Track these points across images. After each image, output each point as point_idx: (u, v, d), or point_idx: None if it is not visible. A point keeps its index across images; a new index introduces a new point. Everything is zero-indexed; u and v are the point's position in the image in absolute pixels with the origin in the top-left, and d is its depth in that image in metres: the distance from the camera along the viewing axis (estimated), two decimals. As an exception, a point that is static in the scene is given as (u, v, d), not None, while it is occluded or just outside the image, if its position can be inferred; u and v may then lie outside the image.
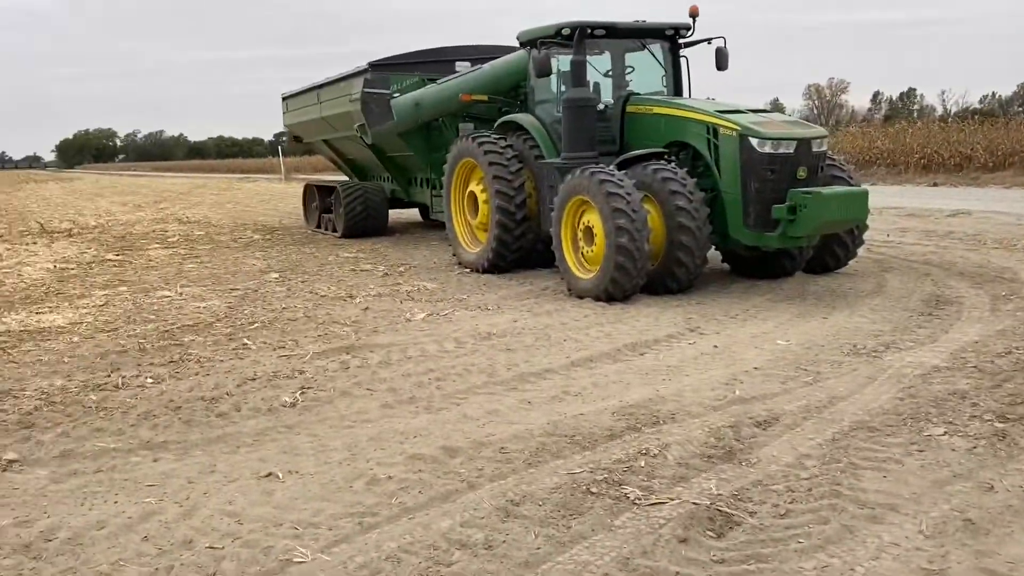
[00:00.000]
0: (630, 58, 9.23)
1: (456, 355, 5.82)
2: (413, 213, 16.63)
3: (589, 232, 7.70)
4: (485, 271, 9.42)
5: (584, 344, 6.03)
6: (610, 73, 9.22)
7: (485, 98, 10.56)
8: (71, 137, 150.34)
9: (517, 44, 9.89)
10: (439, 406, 4.73)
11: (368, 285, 8.86)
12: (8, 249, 12.76)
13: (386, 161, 13.44)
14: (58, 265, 10.83)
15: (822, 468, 3.73)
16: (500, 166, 9.11)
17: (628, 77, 9.20)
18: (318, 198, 15.09)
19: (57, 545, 3.17)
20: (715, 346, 5.90)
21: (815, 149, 7.50)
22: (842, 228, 7.95)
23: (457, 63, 12.18)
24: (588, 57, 8.63)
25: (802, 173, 7.39)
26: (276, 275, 9.72)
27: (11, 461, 4.01)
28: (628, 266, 7.23)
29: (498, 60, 11.03)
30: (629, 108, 8.69)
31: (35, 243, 13.71)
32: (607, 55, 9.26)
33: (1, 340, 6.54)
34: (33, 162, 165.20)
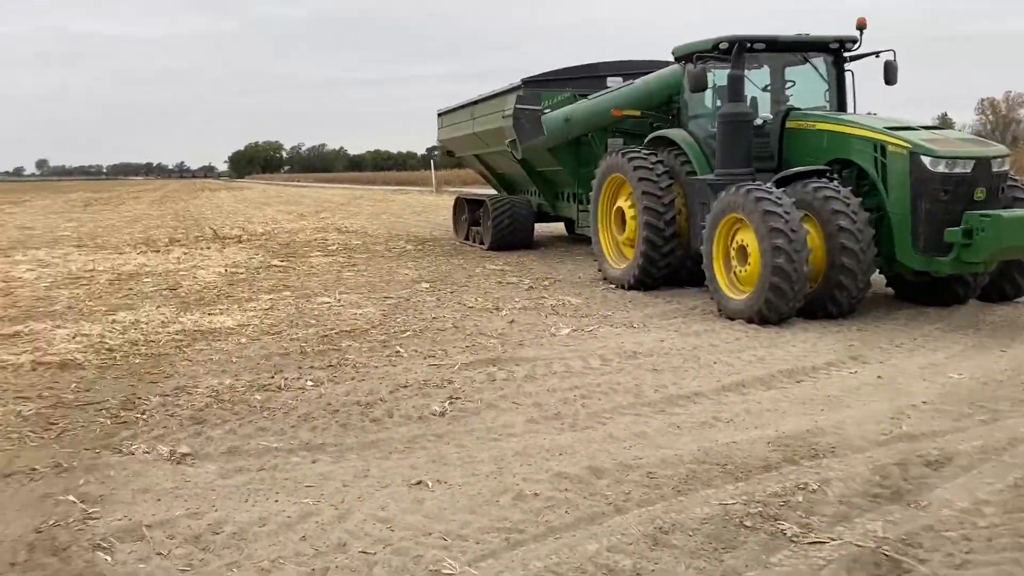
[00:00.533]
0: (791, 72, 8.89)
1: (601, 373, 5.76)
2: (559, 227, 16.68)
3: (743, 251, 7.45)
4: (631, 288, 9.31)
5: (736, 368, 5.81)
6: (769, 88, 8.91)
7: (637, 113, 10.47)
8: (242, 149, 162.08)
9: (671, 59, 9.77)
10: (584, 424, 4.69)
11: (514, 298, 8.95)
12: (185, 253, 13.84)
13: (535, 175, 13.58)
14: (228, 269, 11.62)
15: (1004, 517, 3.40)
16: (649, 181, 9.00)
17: (788, 92, 8.86)
18: (467, 211, 15.44)
19: (223, 539, 3.35)
20: (879, 377, 5.54)
21: (995, 169, 6.93)
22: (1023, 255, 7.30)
23: (609, 79, 12.15)
24: (746, 71, 8.38)
25: (980, 194, 6.85)
26: (427, 285, 10.01)
27: (184, 455, 4.30)
28: (784, 288, 6.94)
29: (650, 75, 10.92)
30: (789, 123, 8.37)
31: (208, 248, 14.79)
32: (766, 69, 8.96)
33: (178, 339, 7.07)
34: (208, 172, 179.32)
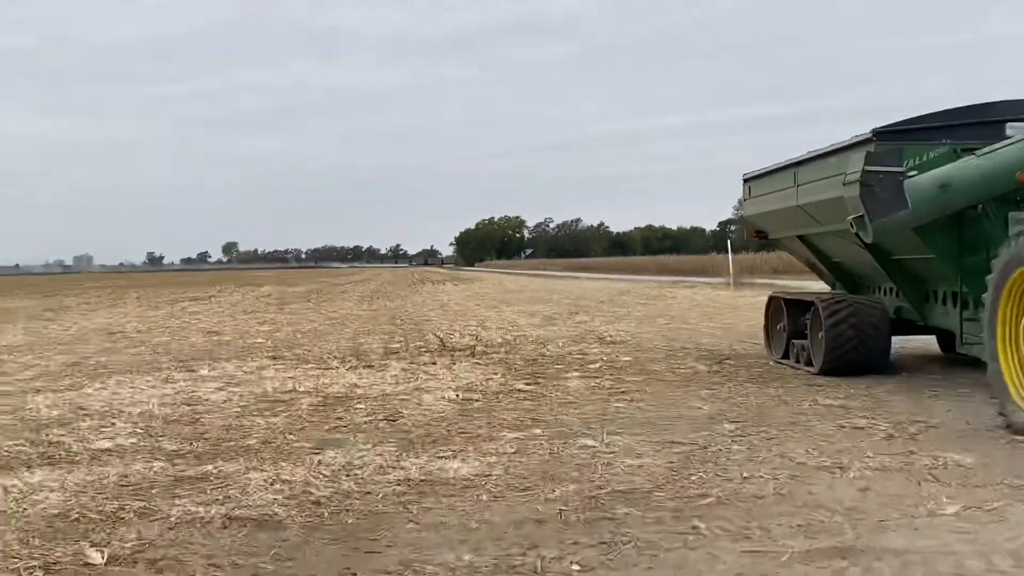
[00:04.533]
0: None
1: (1019, 583, 5.27)
2: (930, 342, 15.87)
3: None
4: (1054, 443, 8.56)
5: None
6: None
7: (1059, 176, 9.87)
8: (472, 228, 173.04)
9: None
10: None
11: (865, 451, 8.55)
12: (405, 369, 14.79)
13: (891, 267, 13.18)
14: (461, 394, 12.22)
15: None
16: (1084, 281, 8.32)
17: None
18: (787, 316, 15.19)
19: None
20: None
21: None
22: None
23: (1009, 124, 11.62)
24: None
25: None
26: (731, 426, 9.87)
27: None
28: None
29: (1079, 118, 10.31)
30: None
31: (434, 363, 15.69)
32: None
33: (400, 491, 7.45)
34: (429, 257, 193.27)
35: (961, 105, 12.42)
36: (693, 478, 7.72)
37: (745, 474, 7.80)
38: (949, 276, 12.01)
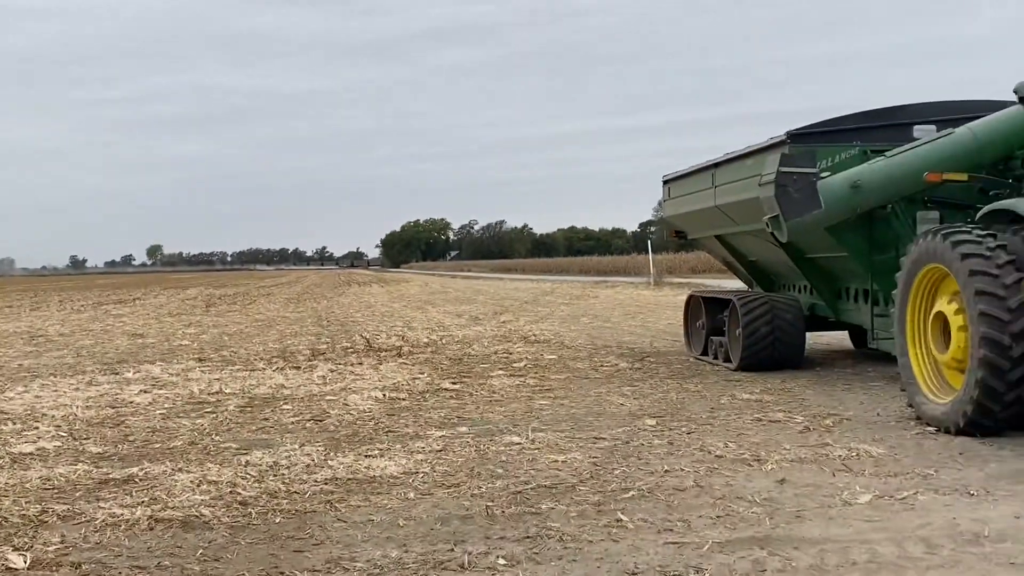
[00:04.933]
0: None
1: (927, 567, 5.39)
2: (842, 337, 16.18)
3: None
4: (960, 432, 8.77)
5: None
6: None
7: (964, 177, 10.13)
8: (398, 230, 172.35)
9: (1013, 98, 9.43)
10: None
11: (782, 444, 8.70)
12: (332, 370, 14.65)
13: (805, 265, 13.39)
14: (388, 394, 12.14)
15: None
16: (988, 276, 8.55)
17: None
18: (705, 314, 15.36)
19: None
20: None
21: None
22: None
23: (916, 127, 11.89)
24: None
25: None
26: (652, 421, 9.95)
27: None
28: None
29: (980, 121, 10.61)
30: None
31: (361, 363, 15.58)
32: None
33: (328, 490, 7.39)
34: (355, 259, 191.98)
35: (871, 108, 12.70)
36: (616, 472, 7.78)
37: (666, 467, 7.89)
38: (860, 274, 12.26)
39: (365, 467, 8.11)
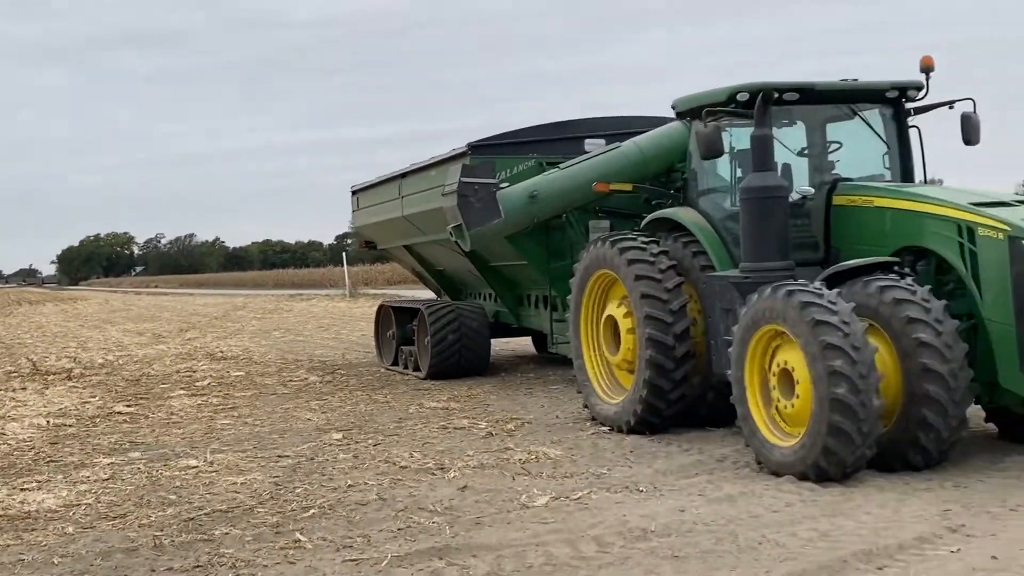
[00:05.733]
0: (835, 130, 9.11)
1: (599, 565, 5.55)
2: (526, 343, 16.64)
3: (787, 377, 7.40)
4: (631, 431, 9.17)
5: (791, 550, 5.64)
6: (807, 152, 9.08)
7: (629, 187, 10.59)
8: (76, 244, 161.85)
9: (672, 114, 9.96)
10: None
11: (465, 451, 8.77)
12: (-8, 396, 13.40)
13: (489, 273, 13.62)
14: (52, 420, 11.29)
15: None
16: (651, 280, 8.99)
17: (833, 157, 9.04)
18: (395, 324, 15.34)
19: None
20: (994, 557, 5.40)
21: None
22: None
23: (587, 141, 12.37)
24: (776, 130, 8.54)
25: (1107, 291, 6.92)
26: (339, 435, 9.80)
27: None
28: (848, 429, 6.85)
29: (645, 136, 11.14)
30: (837, 199, 8.51)
31: (24, 388, 14.41)
32: (802, 127, 9.14)
33: (-26, 529, 6.69)
34: (28, 276, 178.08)
35: (548, 122, 13.11)
36: (297, 491, 7.57)
37: (350, 482, 7.76)
38: (540, 280, 12.58)
39: (19, 502, 7.46)
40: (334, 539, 6.23)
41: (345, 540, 6.19)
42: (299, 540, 6.21)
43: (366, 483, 7.70)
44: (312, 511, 6.92)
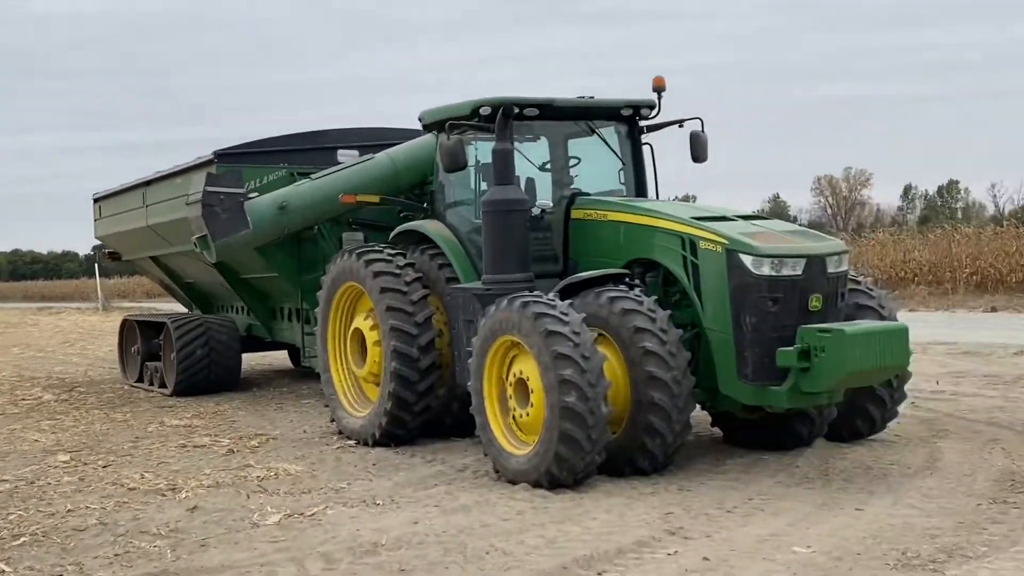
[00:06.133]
0: (575, 146, 9.35)
1: (323, 583, 5.43)
2: (280, 357, 16.27)
3: (523, 386, 7.51)
4: (376, 443, 9.11)
5: (517, 558, 5.71)
6: (548, 166, 9.29)
7: (376, 199, 10.52)
8: None
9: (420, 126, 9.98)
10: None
11: (202, 470, 8.46)
12: None
13: (239, 285, 13.24)
14: None
15: None
16: (396, 293, 8.96)
17: (572, 171, 9.28)
18: (140, 338, 14.67)
19: None
20: (705, 558, 5.63)
21: (832, 269, 7.54)
22: (876, 380, 7.91)
23: (340, 152, 12.23)
24: (518, 144, 8.69)
25: (816, 303, 7.39)
26: (66, 457, 9.26)
27: None
28: (578, 436, 7.01)
29: (397, 148, 11.13)
30: (574, 213, 8.71)
31: None
32: (543, 142, 9.35)
33: None
34: None
35: (299, 132, 12.87)
36: (11, 517, 7.07)
37: (69, 507, 7.30)
38: (291, 293, 12.33)
39: None
40: (43, 568, 5.84)
41: (55, 568, 5.82)
42: (3, 571, 5.78)
43: (88, 507, 7.26)
44: (23, 539, 6.46)
